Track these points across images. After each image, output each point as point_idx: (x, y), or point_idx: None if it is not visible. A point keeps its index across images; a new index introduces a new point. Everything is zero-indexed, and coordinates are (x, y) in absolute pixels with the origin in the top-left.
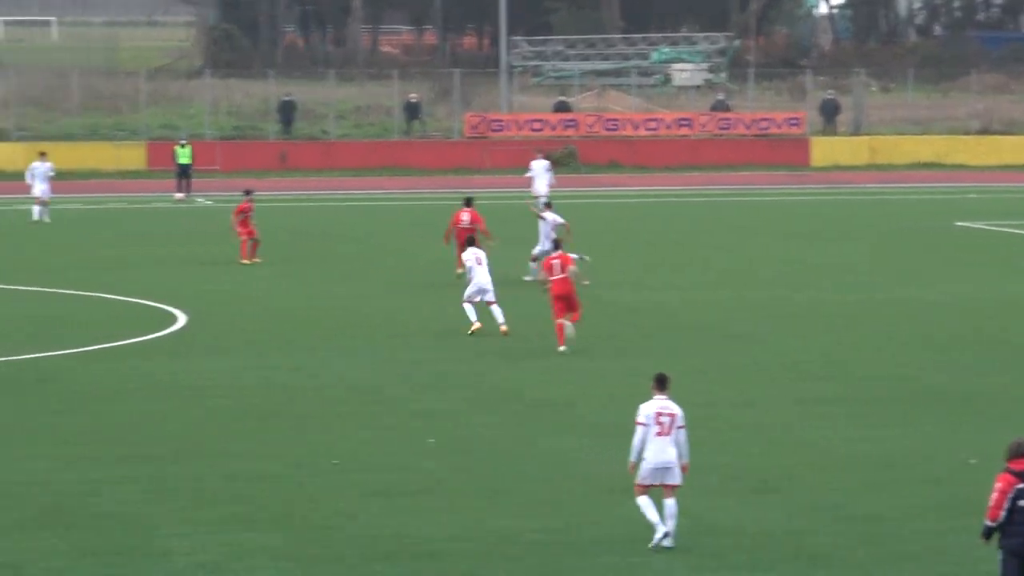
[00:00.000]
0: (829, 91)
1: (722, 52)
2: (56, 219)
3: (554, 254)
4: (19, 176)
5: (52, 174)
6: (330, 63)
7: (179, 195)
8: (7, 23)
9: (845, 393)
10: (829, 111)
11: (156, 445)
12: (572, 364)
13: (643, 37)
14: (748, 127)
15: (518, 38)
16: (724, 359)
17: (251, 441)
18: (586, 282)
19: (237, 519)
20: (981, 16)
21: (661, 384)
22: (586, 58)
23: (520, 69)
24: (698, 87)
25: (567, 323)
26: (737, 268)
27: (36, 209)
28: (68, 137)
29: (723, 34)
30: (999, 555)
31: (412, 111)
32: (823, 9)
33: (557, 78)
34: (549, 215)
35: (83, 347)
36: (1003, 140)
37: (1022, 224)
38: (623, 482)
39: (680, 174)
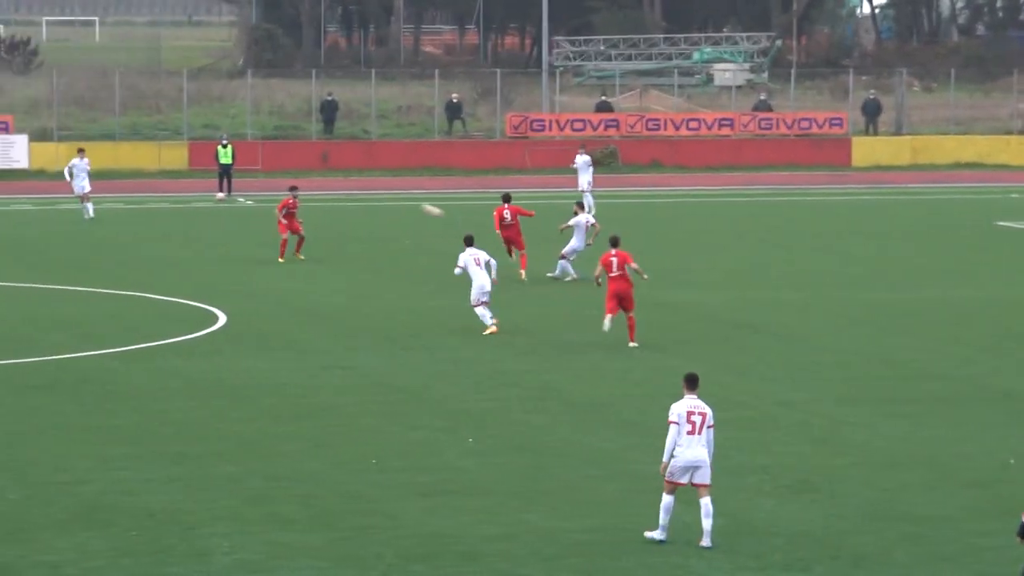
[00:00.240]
0: (871, 91)
1: (764, 52)
2: (98, 218)
3: (612, 251)
4: (62, 175)
5: (88, 169)
6: (372, 63)
7: (221, 195)
8: (50, 23)
9: (888, 393)
10: (871, 111)
11: (197, 444)
12: (613, 363)
13: (685, 37)
14: (790, 127)
15: (560, 38)
16: (766, 358)
17: (292, 440)
18: (646, 276)
19: (277, 518)
20: None
21: (692, 383)
22: (628, 58)
23: (562, 69)
24: (740, 87)
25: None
26: (779, 267)
27: (88, 207)
28: (110, 137)
29: (765, 34)
30: None
31: (454, 111)
32: (865, 9)
33: (599, 78)
34: (582, 216)
35: (125, 346)
36: None
37: None
38: (663, 482)
39: (721, 174)
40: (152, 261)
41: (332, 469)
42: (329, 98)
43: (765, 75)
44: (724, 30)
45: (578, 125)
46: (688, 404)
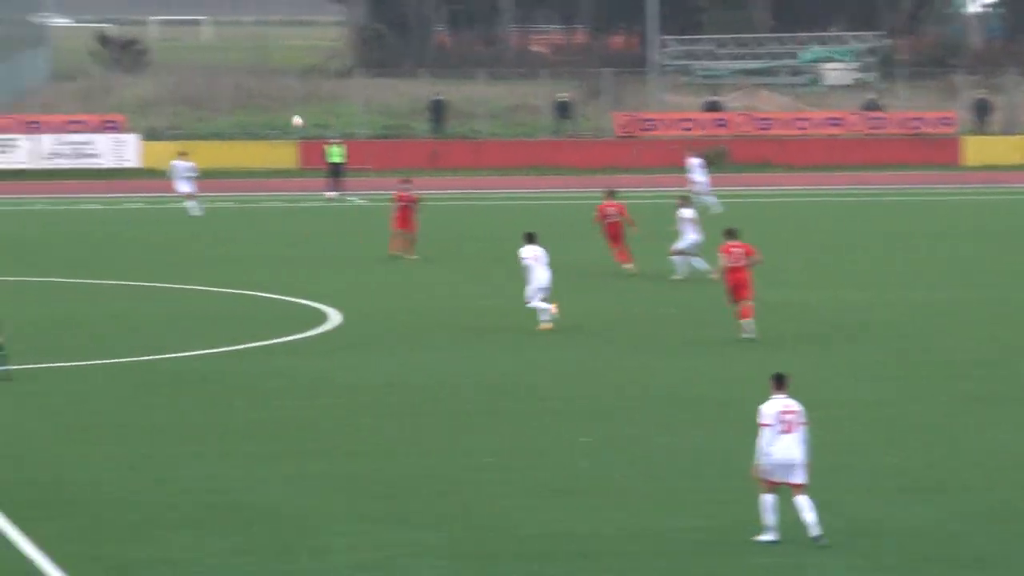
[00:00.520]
0: (981, 90)
1: (872, 51)
2: (208, 217)
3: (732, 243)
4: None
5: (193, 174)
6: (480, 62)
7: (331, 194)
8: (159, 23)
9: (1006, 393)
10: (981, 110)
11: (315, 443)
12: (726, 361)
13: (793, 36)
14: (899, 127)
15: (668, 37)
16: (878, 358)
17: (408, 439)
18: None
19: (395, 517)
20: None
21: (780, 383)
22: (736, 57)
23: (670, 68)
24: (848, 86)
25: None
26: (891, 267)
27: (195, 206)
28: (219, 136)
29: (873, 33)
30: None
31: (562, 110)
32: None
33: (707, 77)
34: (686, 210)
35: (239, 345)
36: None
37: None
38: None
39: (831, 173)
40: (263, 260)
41: (448, 467)
42: (438, 98)
43: (873, 75)
44: (832, 29)
45: (687, 125)
46: (779, 404)
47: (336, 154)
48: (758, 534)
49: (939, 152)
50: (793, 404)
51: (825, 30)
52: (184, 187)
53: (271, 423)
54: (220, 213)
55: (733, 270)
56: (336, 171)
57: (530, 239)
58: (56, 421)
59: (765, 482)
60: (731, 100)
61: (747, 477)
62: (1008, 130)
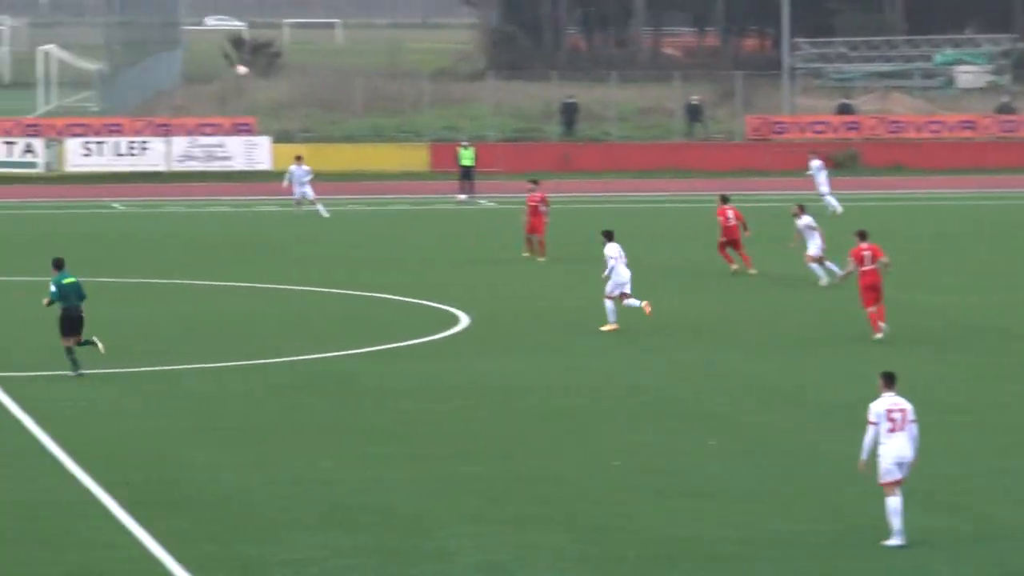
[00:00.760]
0: None
1: (1006, 54)
2: (340, 220)
3: (864, 244)
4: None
5: (309, 177)
6: (612, 64)
7: (462, 196)
8: (292, 25)
9: None
10: None
11: (441, 445)
12: (852, 364)
13: (926, 39)
14: None
15: (800, 40)
16: (1005, 360)
17: (534, 441)
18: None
19: (520, 519)
20: None
21: (889, 381)
22: (869, 60)
23: (802, 71)
24: (981, 89)
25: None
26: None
27: (321, 208)
28: (351, 139)
29: (1007, 35)
30: None
31: (693, 113)
32: None
33: (839, 80)
34: (804, 217)
35: (369, 347)
36: None
37: None
38: (906, 485)
39: (963, 177)
40: (393, 262)
41: (574, 470)
42: (570, 100)
43: (1007, 77)
44: (966, 32)
45: (819, 128)
46: (888, 402)
47: (467, 157)
48: (885, 538)
49: None
50: (902, 402)
51: (959, 32)
52: (307, 192)
53: (398, 424)
54: (351, 216)
55: (865, 273)
56: (467, 174)
57: (609, 237)
58: (186, 421)
59: (886, 485)
60: (863, 103)
61: (874, 481)
62: None
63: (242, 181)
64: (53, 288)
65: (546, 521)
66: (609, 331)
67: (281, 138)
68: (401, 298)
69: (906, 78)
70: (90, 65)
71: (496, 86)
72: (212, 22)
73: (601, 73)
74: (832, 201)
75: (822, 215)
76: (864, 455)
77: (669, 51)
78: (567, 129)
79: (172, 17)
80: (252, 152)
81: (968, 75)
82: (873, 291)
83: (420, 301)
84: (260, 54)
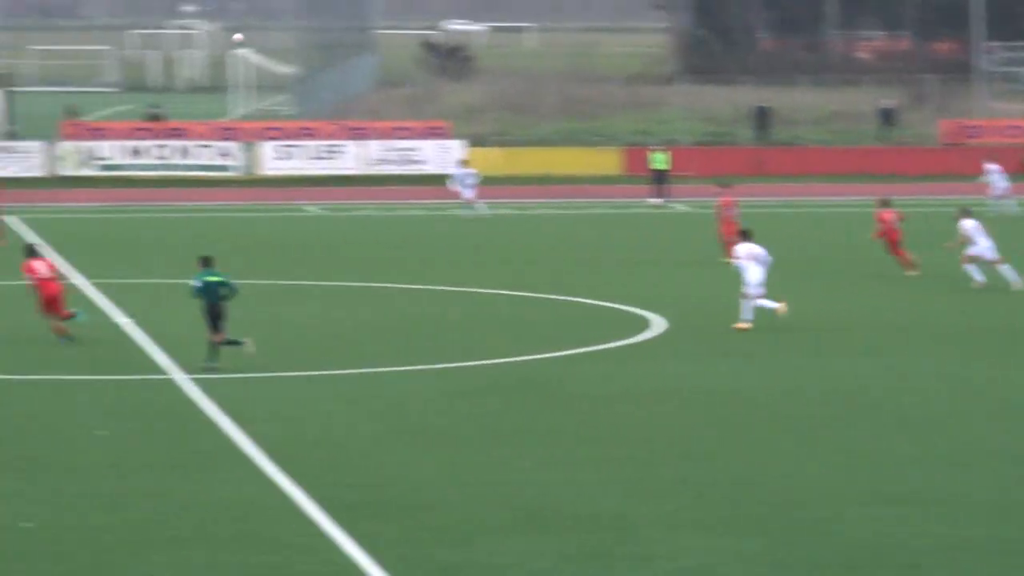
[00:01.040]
0: None
1: None
2: (532, 223)
3: None
4: (498, 181)
5: (475, 180)
6: (803, 68)
7: (655, 200)
8: (485, 29)
9: None
10: None
11: (639, 447)
12: None
13: None
14: None
15: (994, 43)
16: None
17: (732, 445)
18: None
19: (717, 524)
20: None
21: None
22: None
23: (996, 75)
24: None
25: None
26: None
27: (479, 206)
28: (543, 142)
29: None
30: None
31: (886, 117)
32: None
33: None
34: (967, 221)
35: (563, 351)
36: None
37: None
38: None
39: None
40: (586, 265)
41: (773, 474)
42: (762, 104)
43: None
44: None
45: (1013, 132)
46: None
47: (660, 161)
48: None
49: None
50: None
51: None
52: (467, 194)
53: (595, 428)
54: (542, 219)
55: None
56: (660, 178)
57: (746, 236)
58: (383, 424)
59: None
60: None
61: None
62: None
63: (435, 185)
64: (196, 283)
65: (743, 526)
66: (740, 329)
67: (474, 142)
68: (595, 302)
69: None
70: (284, 69)
71: (687, 90)
72: (453, 26)
73: (792, 77)
74: (1010, 203)
75: (997, 222)
76: None
77: (861, 55)
78: (759, 134)
79: (365, 21)
80: (445, 156)
81: None
82: None
83: (614, 305)
84: (452, 58)
